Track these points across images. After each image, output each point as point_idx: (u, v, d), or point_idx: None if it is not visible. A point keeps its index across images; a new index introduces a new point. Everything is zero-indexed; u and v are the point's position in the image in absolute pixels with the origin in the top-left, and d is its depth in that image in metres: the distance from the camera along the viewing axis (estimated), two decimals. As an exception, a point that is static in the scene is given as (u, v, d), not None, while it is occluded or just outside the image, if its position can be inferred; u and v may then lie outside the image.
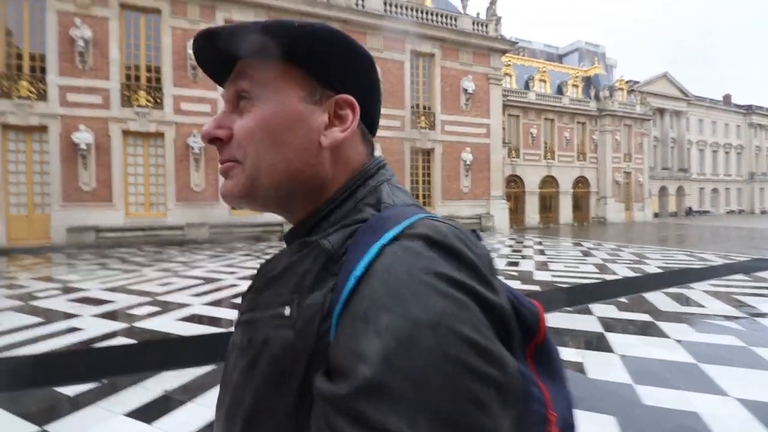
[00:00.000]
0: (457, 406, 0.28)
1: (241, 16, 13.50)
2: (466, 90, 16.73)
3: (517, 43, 18.34)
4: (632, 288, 6.12)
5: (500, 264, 8.70)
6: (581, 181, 27.35)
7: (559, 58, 46.02)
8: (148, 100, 12.68)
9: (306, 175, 0.43)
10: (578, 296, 5.52)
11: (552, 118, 25.73)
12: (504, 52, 17.92)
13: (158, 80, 12.92)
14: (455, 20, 16.72)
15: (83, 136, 11.73)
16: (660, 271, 7.52)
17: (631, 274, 7.25)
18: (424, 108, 16.54)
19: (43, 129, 11.82)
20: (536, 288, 6.11)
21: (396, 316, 0.30)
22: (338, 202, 0.43)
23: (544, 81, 28.00)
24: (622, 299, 5.54)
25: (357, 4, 15.01)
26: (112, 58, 12.25)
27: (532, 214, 23.97)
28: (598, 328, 4.28)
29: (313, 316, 0.35)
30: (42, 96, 11.73)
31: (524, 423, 0.36)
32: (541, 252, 10.81)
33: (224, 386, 0.43)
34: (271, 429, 0.37)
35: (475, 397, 0.28)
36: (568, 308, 5.06)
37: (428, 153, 16.73)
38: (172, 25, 12.84)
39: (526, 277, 7.04)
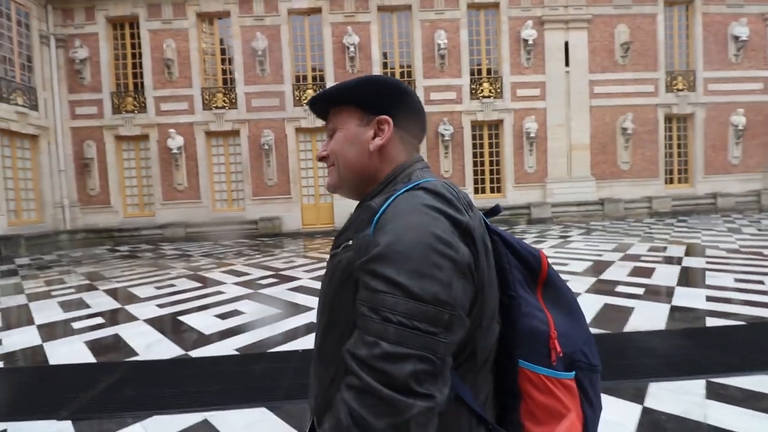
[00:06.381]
0: (423, 266, 0.52)
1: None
2: (737, 38, 13.62)
3: (815, -35, 14.13)
4: None
5: None
6: None
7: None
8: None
9: (364, 170, 0.72)
10: None
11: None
12: (793, -19, 14.00)
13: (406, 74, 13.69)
14: (721, -47, 13.67)
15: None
16: None
17: None
18: (680, 67, 14.07)
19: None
20: None
21: (395, 224, 0.56)
22: (384, 185, 0.70)
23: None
24: None
25: (600, -41, 13.41)
26: (374, 59, 13.40)
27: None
28: None
29: (362, 241, 0.60)
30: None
31: (530, 335, 0.63)
32: None
33: (320, 294, 0.72)
34: (342, 308, 0.62)
35: (436, 262, 0.53)
36: None
37: (685, 119, 14.23)
38: (422, 18, 13.41)
39: None
